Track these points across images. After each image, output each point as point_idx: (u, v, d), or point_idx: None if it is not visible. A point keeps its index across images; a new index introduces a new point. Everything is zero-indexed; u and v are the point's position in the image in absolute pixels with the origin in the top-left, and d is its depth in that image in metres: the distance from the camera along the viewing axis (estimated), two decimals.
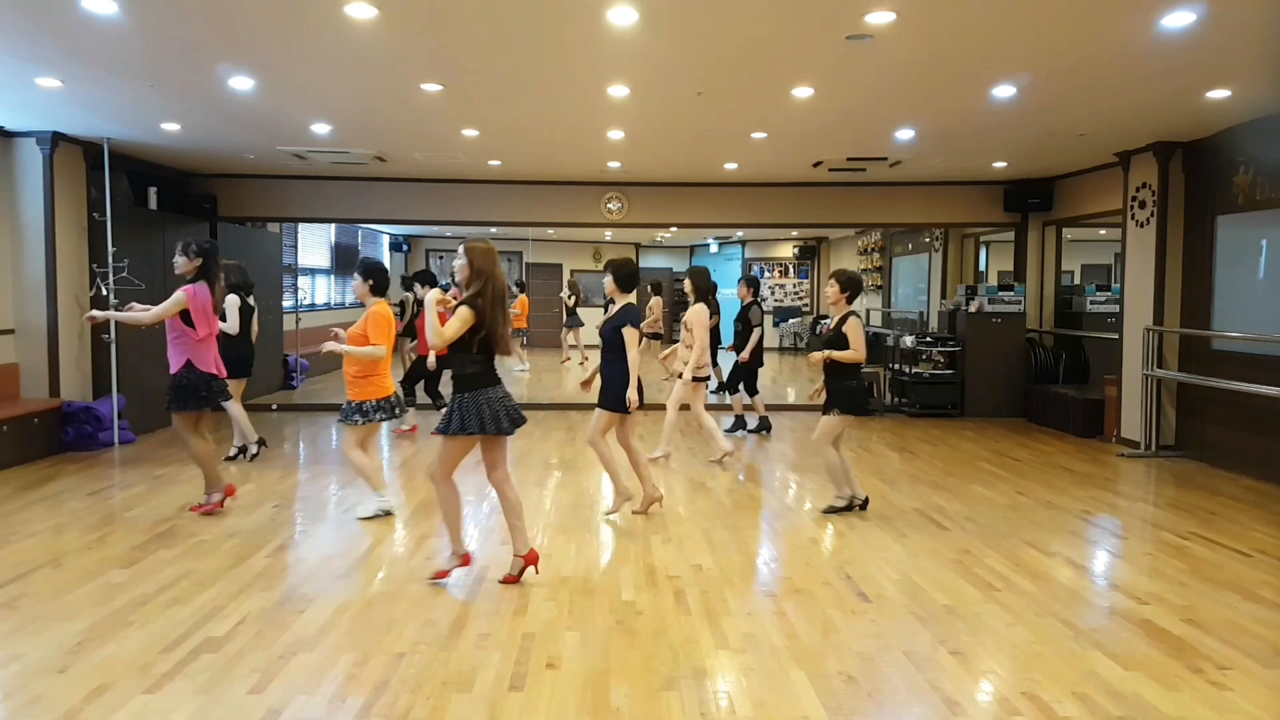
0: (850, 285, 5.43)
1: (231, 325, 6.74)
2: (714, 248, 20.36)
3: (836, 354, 5.32)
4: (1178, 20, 4.40)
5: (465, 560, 4.35)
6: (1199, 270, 7.45)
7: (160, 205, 8.98)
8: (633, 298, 5.40)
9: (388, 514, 5.47)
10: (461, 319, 3.98)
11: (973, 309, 9.80)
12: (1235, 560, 4.75)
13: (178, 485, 6.31)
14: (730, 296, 15.42)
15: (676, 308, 21.26)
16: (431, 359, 8.06)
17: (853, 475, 5.66)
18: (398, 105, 6.39)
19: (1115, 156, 8.15)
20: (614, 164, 8.97)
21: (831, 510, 5.57)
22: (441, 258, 19.87)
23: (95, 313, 5.87)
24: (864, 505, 5.62)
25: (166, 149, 8.21)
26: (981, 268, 12.37)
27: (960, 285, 10.71)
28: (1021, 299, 9.81)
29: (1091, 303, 9.66)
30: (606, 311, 5.48)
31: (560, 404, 10.57)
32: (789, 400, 11.28)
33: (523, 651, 3.48)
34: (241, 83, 5.72)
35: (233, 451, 7.19)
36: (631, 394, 5.20)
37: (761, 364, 8.60)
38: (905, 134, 7.30)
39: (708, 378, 7.38)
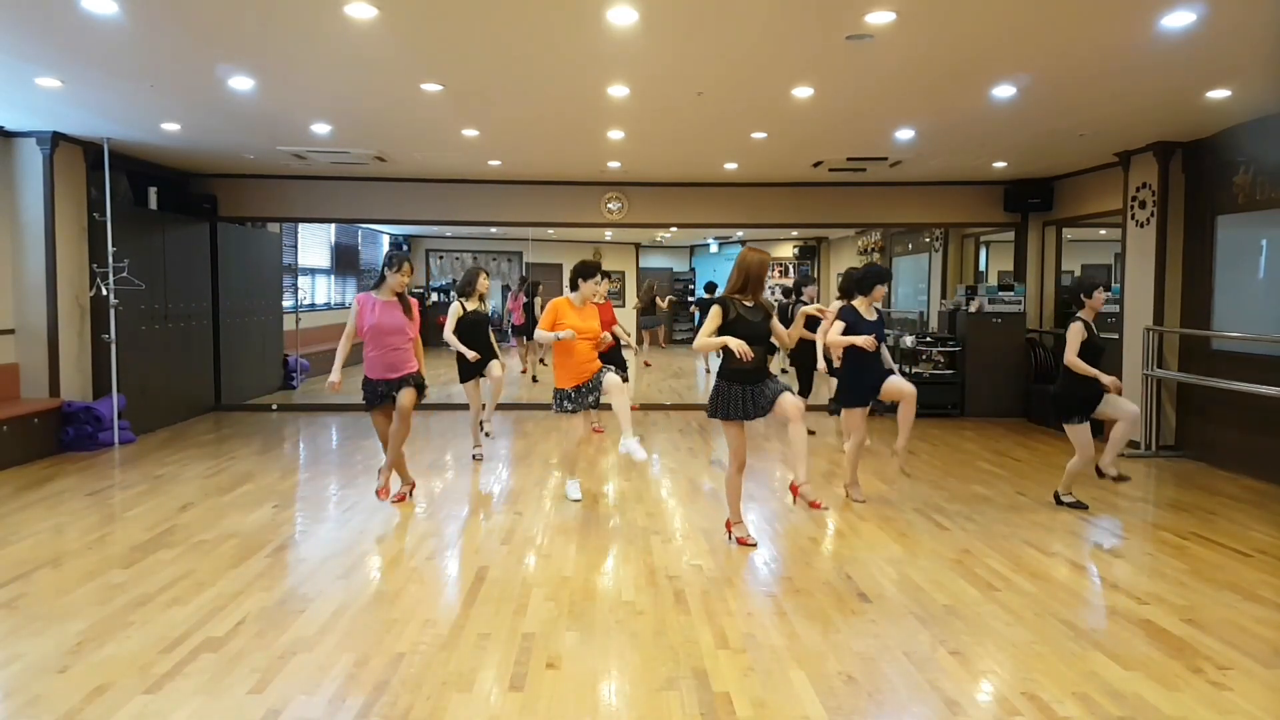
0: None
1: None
2: (714, 248, 20.37)
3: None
4: (1178, 20, 4.40)
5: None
6: (1199, 270, 7.45)
7: (160, 205, 8.99)
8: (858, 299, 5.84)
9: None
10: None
11: (973, 309, 9.80)
12: (1235, 560, 4.75)
13: (178, 485, 6.31)
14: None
15: (675, 306, 21.37)
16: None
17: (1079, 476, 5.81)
18: (398, 105, 6.38)
19: (1115, 156, 8.15)
20: (614, 164, 8.97)
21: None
22: (441, 258, 19.88)
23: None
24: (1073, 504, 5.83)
25: (166, 149, 8.21)
26: (981, 268, 12.36)
27: (960, 285, 10.71)
28: (1021, 299, 9.81)
29: None
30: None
31: None
32: None
33: (523, 651, 3.48)
34: (241, 83, 5.72)
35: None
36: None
37: (815, 365, 8.57)
38: (905, 134, 7.30)
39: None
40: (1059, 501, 5.85)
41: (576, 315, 5.70)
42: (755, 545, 4.84)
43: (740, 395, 4.61)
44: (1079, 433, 5.53)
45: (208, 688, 3.15)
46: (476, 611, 3.91)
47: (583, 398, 5.68)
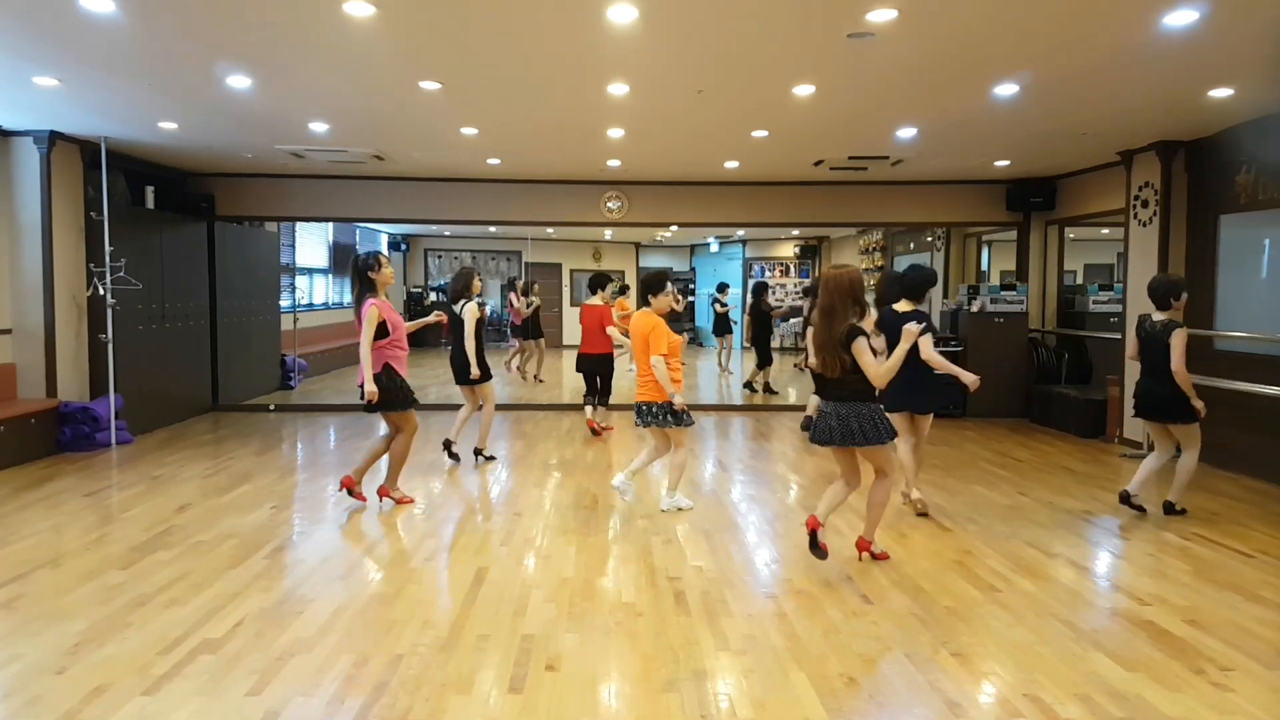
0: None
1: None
2: (714, 247, 20.35)
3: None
4: (1180, 19, 4.39)
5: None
6: (1201, 270, 7.42)
7: (158, 204, 8.96)
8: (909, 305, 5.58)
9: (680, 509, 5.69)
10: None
11: (975, 308, 9.79)
12: (1237, 561, 4.73)
13: (176, 485, 6.29)
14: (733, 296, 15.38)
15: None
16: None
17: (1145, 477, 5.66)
18: (397, 104, 6.37)
19: (1118, 155, 8.14)
20: (614, 163, 8.95)
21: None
22: (440, 257, 19.86)
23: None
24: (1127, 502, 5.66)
25: (164, 148, 8.19)
26: (984, 267, 12.35)
27: (962, 285, 10.70)
28: (1024, 298, 9.79)
29: (1094, 302, 9.64)
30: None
31: (560, 404, 10.56)
32: (790, 400, 11.27)
33: (523, 652, 3.46)
34: (239, 81, 5.70)
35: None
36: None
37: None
38: (907, 132, 7.28)
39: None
40: (1170, 512, 5.62)
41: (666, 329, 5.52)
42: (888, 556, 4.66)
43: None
44: (1198, 432, 5.44)
45: (206, 689, 3.14)
46: (476, 613, 3.89)
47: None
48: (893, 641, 3.61)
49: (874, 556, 4.65)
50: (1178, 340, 5.31)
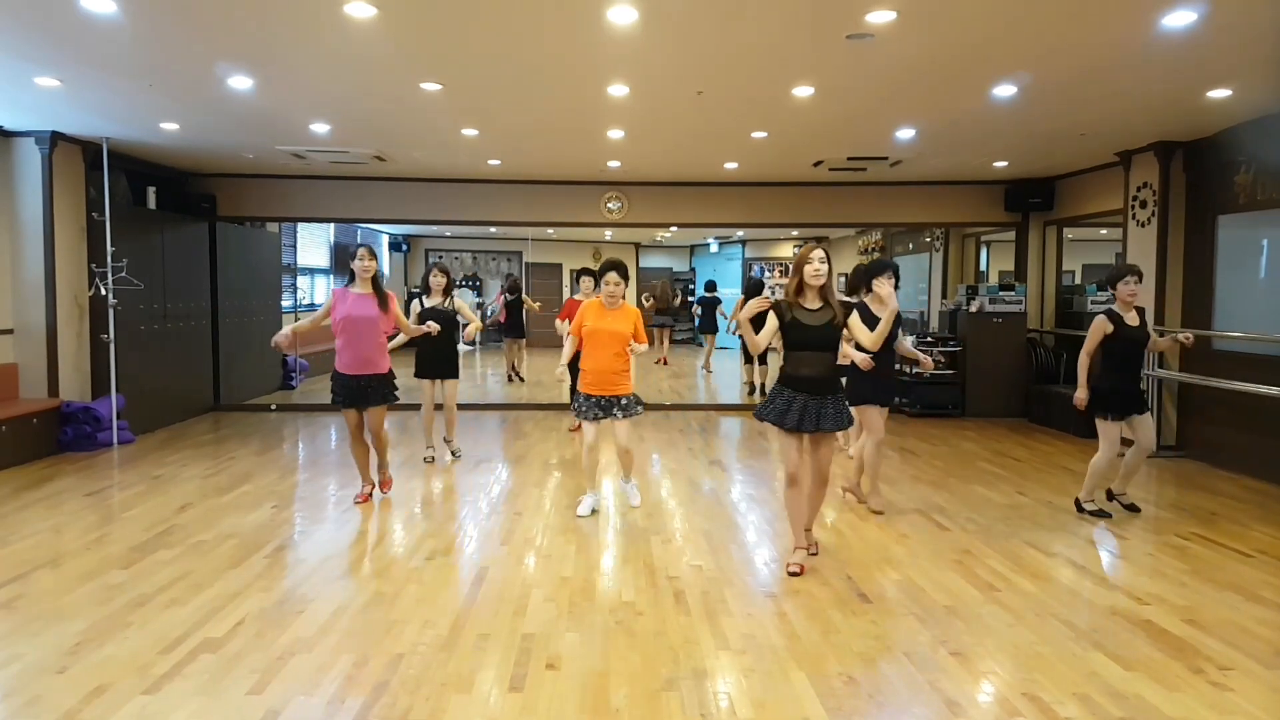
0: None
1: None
2: (714, 247, 20.34)
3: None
4: (1179, 19, 4.40)
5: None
6: (1200, 270, 7.44)
7: (159, 205, 8.98)
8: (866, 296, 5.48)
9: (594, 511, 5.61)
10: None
11: (973, 309, 9.79)
12: (1236, 560, 4.74)
13: (176, 485, 6.30)
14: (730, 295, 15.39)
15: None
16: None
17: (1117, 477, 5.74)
18: (397, 105, 6.37)
19: (1116, 156, 8.14)
20: (614, 163, 8.96)
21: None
22: (440, 257, 19.86)
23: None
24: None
25: (165, 148, 8.20)
26: (982, 267, 12.35)
27: (961, 285, 10.70)
28: (1022, 299, 9.80)
29: (1092, 303, 9.63)
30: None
31: (560, 404, 10.56)
32: None
33: (523, 652, 3.47)
34: (240, 82, 5.71)
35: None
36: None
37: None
38: (906, 133, 7.29)
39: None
40: (1079, 509, 5.63)
41: (606, 318, 5.34)
42: (800, 573, 4.40)
43: (788, 403, 4.36)
44: (1104, 430, 5.41)
45: (207, 688, 3.14)
46: (476, 612, 3.90)
47: (592, 409, 5.34)
48: (892, 641, 3.62)
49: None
50: (1091, 326, 5.44)
